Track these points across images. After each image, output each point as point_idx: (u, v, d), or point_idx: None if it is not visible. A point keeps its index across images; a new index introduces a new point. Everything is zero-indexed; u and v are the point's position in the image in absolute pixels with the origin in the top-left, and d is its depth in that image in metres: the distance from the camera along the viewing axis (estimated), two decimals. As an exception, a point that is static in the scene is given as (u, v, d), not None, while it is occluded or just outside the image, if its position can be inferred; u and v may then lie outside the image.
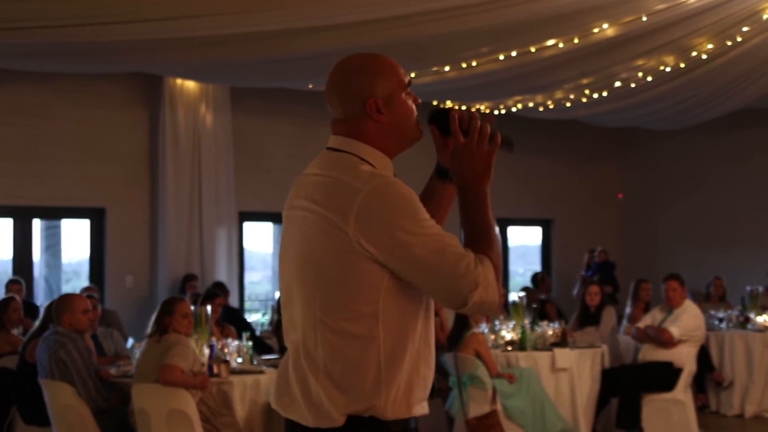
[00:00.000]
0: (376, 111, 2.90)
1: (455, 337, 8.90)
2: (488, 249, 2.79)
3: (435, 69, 11.29)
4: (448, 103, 14.05)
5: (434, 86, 12.18)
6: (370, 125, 2.91)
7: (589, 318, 10.92)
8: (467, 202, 2.87)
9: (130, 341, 10.23)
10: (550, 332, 9.91)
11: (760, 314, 11.77)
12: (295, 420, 2.87)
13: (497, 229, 2.86)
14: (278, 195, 13.81)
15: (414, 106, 3.01)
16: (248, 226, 14.18)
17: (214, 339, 8.28)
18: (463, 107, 13.98)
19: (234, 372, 7.86)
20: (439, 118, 3.02)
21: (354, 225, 2.70)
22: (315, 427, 2.81)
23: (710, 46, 10.84)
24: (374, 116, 2.90)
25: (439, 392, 9.57)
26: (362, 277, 2.74)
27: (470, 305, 2.72)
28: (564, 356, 9.50)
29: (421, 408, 2.89)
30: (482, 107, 14.31)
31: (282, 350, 9.76)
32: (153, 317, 7.43)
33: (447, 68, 11.15)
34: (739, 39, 10.54)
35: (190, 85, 12.99)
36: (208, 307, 8.44)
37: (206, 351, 7.97)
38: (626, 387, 9.56)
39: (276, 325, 10.59)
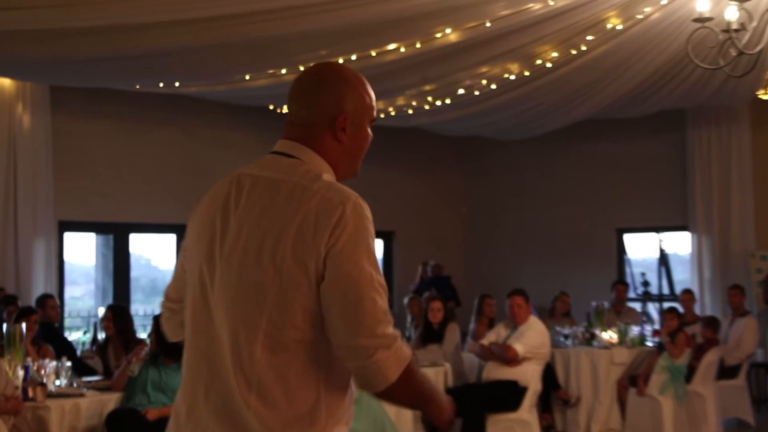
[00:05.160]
0: (341, 129, 2.93)
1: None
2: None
3: (271, 71, 11.25)
4: (286, 109, 14.00)
5: (270, 89, 12.13)
6: (329, 140, 2.94)
7: (431, 335, 11.03)
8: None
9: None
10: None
11: (606, 330, 12.10)
12: None
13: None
14: (102, 203, 13.62)
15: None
16: (69, 237, 13.85)
17: (29, 359, 8.06)
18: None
19: (51, 395, 7.66)
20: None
21: (328, 237, 2.68)
22: None
23: (555, 54, 11.13)
24: (338, 133, 2.93)
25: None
26: (304, 295, 2.72)
27: (372, 360, 2.68)
28: (405, 374, 9.57)
29: None
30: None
31: (108, 372, 9.56)
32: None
33: (284, 71, 11.13)
34: (583, 48, 10.85)
35: (6, 82, 12.64)
36: (23, 325, 8.20)
37: (20, 373, 7.75)
38: (470, 407, 9.67)
39: (100, 345, 10.36)
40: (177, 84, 11.85)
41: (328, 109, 2.93)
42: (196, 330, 2.86)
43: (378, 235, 17.20)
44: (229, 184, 2.91)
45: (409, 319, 12.95)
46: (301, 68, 10.83)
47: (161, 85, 11.94)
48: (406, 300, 13.93)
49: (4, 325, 7.90)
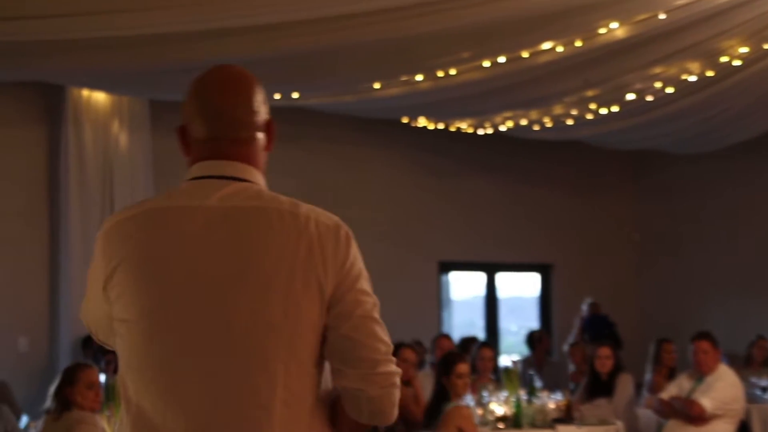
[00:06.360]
0: (273, 136, 3.10)
1: (434, 411, 8.88)
2: None
3: (404, 79, 11.32)
4: (421, 121, 14.08)
5: (404, 100, 12.21)
6: (262, 153, 3.08)
7: (599, 387, 10.93)
8: None
9: (25, 419, 10.14)
10: (552, 405, 9.91)
11: (815, 382, 11.82)
12: None
13: None
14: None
15: None
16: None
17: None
18: (440, 125, 14.03)
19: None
20: None
21: (339, 264, 2.88)
22: None
23: (744, 49, 10.96)
24: (271, 144, 3.10)
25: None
26: (316, 333, 2.89)
27: (393, 385, 2.93)
28: (568, 435, 9.51)
29: None
30: (463, 126, 14.36)
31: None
32: (52, 389, 7.38)
33: (419, 77, 11.19)
34: (779, 41, 10.70)
35: (100, 97, 12.90)
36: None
37: (120, 431, 7.89)
38: (645, 473, 9.57)
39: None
40: (295, 95, 12.00)
41: (263, 114, 3.08)
42: (177, 377, 2.83)
43: (534, 268, 17.25)
44: (173, 220, 2.90)
45: (571, 369, 12.85)
46: (439, 74, 10.93)
47: (277, 97, 12.10)
48: (566, 347, 13.84)
49: (103, 376, 8.06)
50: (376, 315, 2.91)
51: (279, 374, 2.79)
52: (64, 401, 7.23)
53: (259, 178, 3.01)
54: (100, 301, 3.01)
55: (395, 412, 2.97)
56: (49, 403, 7.35)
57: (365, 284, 2.92)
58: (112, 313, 2.97)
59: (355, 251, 2.92)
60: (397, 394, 2.94)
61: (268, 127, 3.08)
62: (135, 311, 2.87)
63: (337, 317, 2.85)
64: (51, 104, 12.97)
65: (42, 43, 9.47)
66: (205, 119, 3.02)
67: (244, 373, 2.79)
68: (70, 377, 7.33)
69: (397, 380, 2.94)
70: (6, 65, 10.68)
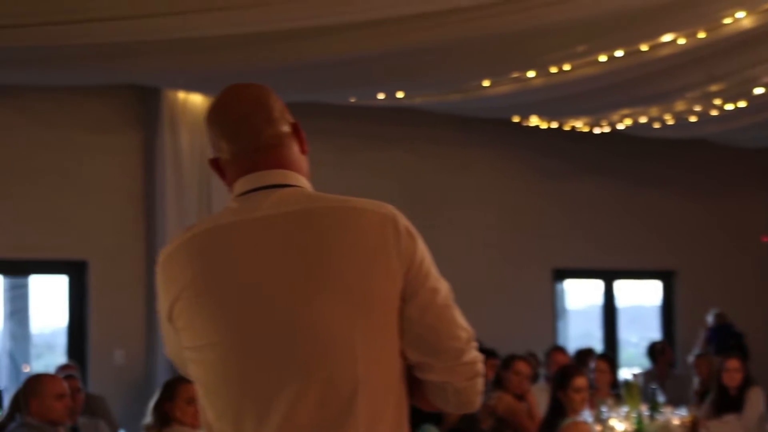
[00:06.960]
0: (303, 138, 3.13)
1: (549, 427, 8.85)
2: None
3: (516, 75, 11.29)
4: (533, 120, 14.02)
5: (514, 98, 12.16)
6: (299, 156, 3.11)
7: (728, 402, 10.80)
8: None
9: (122, 435, 10.27)
10: (677, 421, 9.82)
11: None
12: None
13: None
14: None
15: None
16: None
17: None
18: (554, 124, 13.97)
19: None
20: None
21: (404, 255, 2.91)
22: None
23: None
24: (304, 146, 3.13)
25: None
26: (396, 332, 2.94)
27: (479, 373, 2.98)
28: (694, 453, 9.42)
29: None
30: (578, 124, 14.27)
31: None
32: (151, 404, 7.46)
33: (531, 74, 11.15)
34: None
35: (197, 99, 12.96)
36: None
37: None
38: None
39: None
40: (400, 95, 12.01)
41: (286, 118, 3.11)
42: (256, 397, 2.88)
43: (655, 275, 17.06)
44: (226, 238, 2.96)
45: (696, 382, 12.71)
46: (553, 70, 10.88)
47: (381, 96, 12.13)
48: (691, 358, 13.68)
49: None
50: (452, 300, 2.96)
51: (363, 379, 2.82)
52: (164, 416, 7.30)
53: (302, 181, 3.06)
54: (171, 333, 3.09)
55: (480, 401, 3.04)
56: (148, 418, 7.44)
57: (435, 270, 2.96)
58: (182, 342, 3.03)
59: (418, 237, 2.95)
60: (482, 382, 3.00)
61: (295, 130, 3.11)
62: (205, 337, 2.94)
63: (418, 309, 2.89)
64: (146, 108, 13.06)
65: (136, 43, 9.58)
66: (227, 139, 3.06)
67: (325, 383, 2.82)
68: (170, 392, 7.41)
69: (482, 367, 2.99)
70: (100, 67, 10.82)
